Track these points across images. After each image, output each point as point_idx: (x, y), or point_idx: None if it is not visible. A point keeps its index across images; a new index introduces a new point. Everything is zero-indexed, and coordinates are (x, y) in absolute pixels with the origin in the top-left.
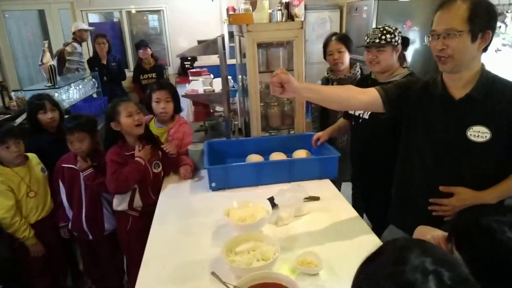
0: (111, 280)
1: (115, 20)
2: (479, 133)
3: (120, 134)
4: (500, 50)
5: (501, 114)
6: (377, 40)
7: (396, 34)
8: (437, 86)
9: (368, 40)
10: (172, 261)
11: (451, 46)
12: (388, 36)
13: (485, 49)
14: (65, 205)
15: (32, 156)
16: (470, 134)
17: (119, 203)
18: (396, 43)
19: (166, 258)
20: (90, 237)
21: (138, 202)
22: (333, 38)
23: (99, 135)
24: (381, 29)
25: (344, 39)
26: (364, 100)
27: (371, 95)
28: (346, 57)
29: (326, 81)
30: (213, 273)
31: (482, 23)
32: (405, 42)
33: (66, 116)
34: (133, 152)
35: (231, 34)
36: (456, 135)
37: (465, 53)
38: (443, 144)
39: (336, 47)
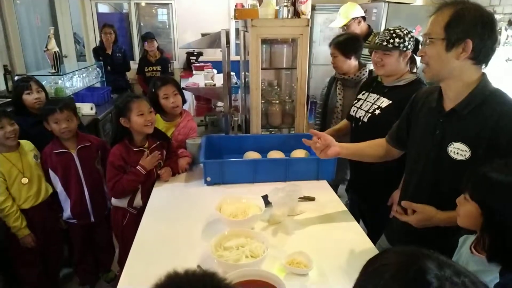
0: (104, 260)
1: (124, 11)
2: (458, 151)
3: (128, 130)
4: (511, 60)
5: (480, 137)
6: (384, 43)
7: (407, 39)
8: (434, 97)
9: (376, 41)
10: (159, 254)
11: (428, 53)
12: (396, 40)
13: (484, 62)
14: (60, 194)
15: (25, 142)
16: (451, 151)
17: (118, 201)
18: (404, 48)
19: (154, 251)
20: (92, 219)
21: (138, 201)
22: (333, 42)
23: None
24: (391, 31)
25: (339, 45)
26: (382, 153)
27: (383, 145)
28: (342, 62)
29: (332, 80)
30: (198, 267)
31: (461, 31)
32: (418, 46)
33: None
34: (140, 148)
35: (238, 31)
36: (439, 150)
37: (440, 62)
38: (429, 158)
39: (332, 52)
